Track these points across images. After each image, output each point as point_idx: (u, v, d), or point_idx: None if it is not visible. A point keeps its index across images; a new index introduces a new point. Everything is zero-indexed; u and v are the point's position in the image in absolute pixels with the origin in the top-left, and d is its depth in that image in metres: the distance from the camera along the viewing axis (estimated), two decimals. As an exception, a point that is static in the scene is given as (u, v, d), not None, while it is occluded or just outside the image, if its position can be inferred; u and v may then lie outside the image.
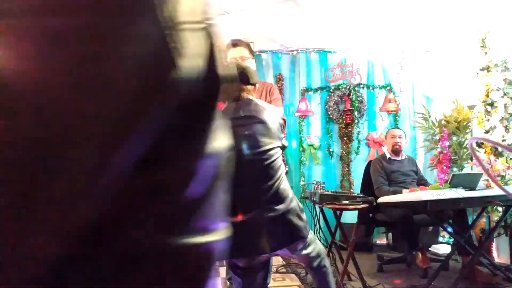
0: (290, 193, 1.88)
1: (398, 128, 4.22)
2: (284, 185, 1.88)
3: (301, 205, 1.94)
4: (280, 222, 1.78)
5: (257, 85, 2.06)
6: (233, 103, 1.94)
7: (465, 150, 4.36)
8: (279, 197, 1.82)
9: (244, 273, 1.88)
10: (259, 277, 1.92)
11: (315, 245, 1.98)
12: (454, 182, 2.92)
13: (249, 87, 1.98)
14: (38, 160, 0.29)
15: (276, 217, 1.77)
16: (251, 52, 2.82)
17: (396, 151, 3.85)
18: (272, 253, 1.90)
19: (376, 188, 3.67)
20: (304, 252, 1.96)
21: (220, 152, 0.46)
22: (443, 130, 4.51)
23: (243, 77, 1.99)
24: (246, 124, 1.85)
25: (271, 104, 2.73)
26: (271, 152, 1.85)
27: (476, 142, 4.11)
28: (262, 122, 1.86)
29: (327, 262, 2.03)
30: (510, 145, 3.74)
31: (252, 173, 1.81)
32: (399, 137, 3.87)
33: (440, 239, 4.52)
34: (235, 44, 2.79)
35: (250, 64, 2.76)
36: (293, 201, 1.87)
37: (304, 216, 1.90)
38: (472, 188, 2.96)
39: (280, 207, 1.80)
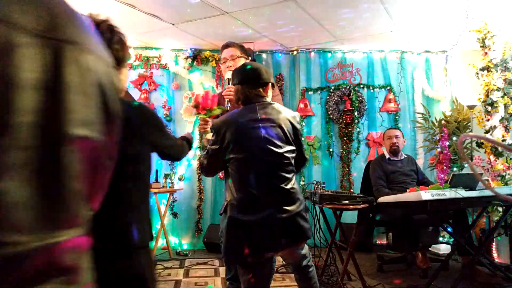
0: (300, 196, 1.93)
1: (394, 128, 4.19)
2: (296, 187, 1.92)
3: (307, 206, 1.98)
4: (290, 223, 1.83)
5: (270, 84, 2.04)
6: (250, 104, 1.96)
7: (465, 150, 4.36)
8: (291, 199, 1.86)
9: (253, 268, 1.91)
10: (266, 271, 1.95)
11: (306, 246, 2.08)
12: (454, 182, 2.91)
13: (260, 88, 1.98)
14: None
15: (287, 218, 1.82)
16: (244, 52, 2.82)
17: (394, 151, 3.84)
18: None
19: (375, 191, 3.66)
20: (301, 251, 2.04)
21: None
22: (443, 130, 4.51)
23: (250, 78, 1.98)
24: (262, 126, 1.88)
25: None
26: (286, 154, 1.89)
27: (476, 142, 4.11)
28: (278, 125, 1.90)
29: (312, 262, 2.12)
30: (510, 145, 3.74)
31: (266, 174, 1.85)
32: (396, 137, 3.86)
33: (440, 239, 4.52)
34: (227, 45, 2.81)
35: (242, 63, 2.76)
36: (302, 203, 1.91)
37: (308, 217, 1.94)
38: (472, 188, 2.96)
39: (292, 208, 1.84)
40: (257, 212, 1.81)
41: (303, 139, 2.01)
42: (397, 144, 3.84)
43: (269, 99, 2.02)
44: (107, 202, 1.26)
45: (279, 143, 1.88)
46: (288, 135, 1.91)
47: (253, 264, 1.90)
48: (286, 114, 1.96)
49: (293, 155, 1.94)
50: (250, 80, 1.98)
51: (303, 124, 4.98)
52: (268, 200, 1.83)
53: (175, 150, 1.53)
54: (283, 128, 1.90)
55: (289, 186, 1.87)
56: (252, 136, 1.88)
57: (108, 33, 1.28)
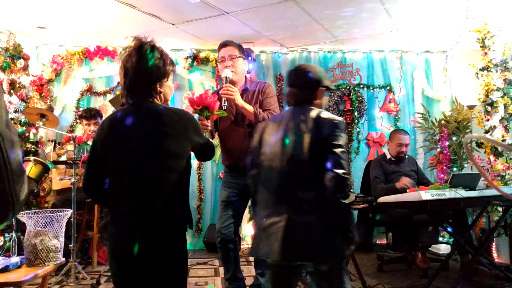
0: (323, 208, 1.72)
1: (406, 133, 3.96)
2: (316, 197, 1.71)
3: (334, 221, 1.71)
4: (295, 233, 1.68)
5: (321, 88, 1.88)
6: (290, 107, 1.91)
7: (465, 150, 4.36)
8: (304, 209, 1.71)
9: (273, 270, 1.87)
10: (284, 278, 1.86)
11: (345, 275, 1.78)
12: (454, 182, 2.92)
13: (303, 92, 1.88)
14: None
15: (294, 226, 1.69)
16: (242, 51, 2.81)
17: (400, 158, 3.84)
18: (297, 262, 1.78)
19: (372, 188, 3.67)
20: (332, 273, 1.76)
21: None
22: (443, 130, 4.51)
23: (289, 79, 1.93)
24: (285, 132, 1.81)
25: (263, 103, 2.72)
26: (307, 162, 1.73)
27: (476, 142, 4.11)
28: (304, 132, 1.75)
29: None
30: (510, 145, 3.74)
31: (282, 181, 1.77)
32: (406, 146, 3.83)
33: (440, 239, 4.52)
34: (225, 44, 2.79)
35: (240, 63, 2.75)
36: (323, 215, 1.70)
37: (339, 240, 1.70)
38: (472, 188, 2.96)
39: (303, 218, 1.69)
40: (268, 217, 1.76)
41: (339, 151, 1.70)
42: (404, 152, 3.83)
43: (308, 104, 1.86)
44: (153, 191, 1.46)
45: (300, 150, 1.73)
46: (314, 144, 1.72)
47: (273, 267, 1.86)
48: (319, 122, 1.74)
49: (319, 164, 1.71)
50: (289, 82, 1.93)
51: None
52: (279, 206, 1.74)
53: (207, 148, 1.72)
54: (310, 136, 1.73)
55: (305, 196, 1.71)
56: (273, 141, 1.83)
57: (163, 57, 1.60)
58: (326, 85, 1.90)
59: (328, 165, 1.69)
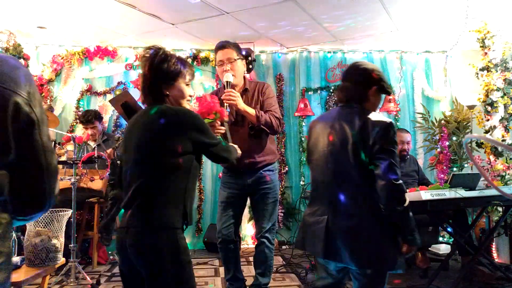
0: (364, 212, 1.67)
1: (407, 131, 3.99)
2: (357, 201, 1.68)
3: (375, 228, 1.65)
4: (337, 236, 1.69)
5: (375, 87, 1.79)
6: (339, 105, 1.88)
7: (465, 150, 4.36)
8: (343, 211, 1.69)
9: (319, 267, 1.90)
10: (326, 275, 1.87)
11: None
12: (454, 182, 2.91)
13: (347, 84, 1.82)
14: None
15: (332, 228, 1.70)
16: (240, 52, 2.77)
17: (402, 157, 3.83)
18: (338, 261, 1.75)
19: None
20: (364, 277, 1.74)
21: None
22: (443, 130, 4.51)
23: (342, 76, 1.90)
24: (331, 132, 1.77)
25: (264, 104, 2.71)
26: (352, 166, 1.68)
27: (476, 142, 4.10)
28: (348, 134, 1.69)
29: None
30: (510, 145, 3.74)
31: (327, 181, 1.78)
32: (407, 143, 3.83)
33: (440, 239, 4.52)
34: (222, 46, 2.73)
35: (239, 65, 2.72)
36: (362, 220, 1.66)
37: (386, 245, 1.65)
38: (472, 188, 2.96)
39: (342, 221, 1.68)
40: (314, 214, 1.79)
41: (389, 156, 1.61)
42: (407, 151, 3.82)
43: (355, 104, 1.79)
44: (146, 187, 1.49)
45: (345, 153, 1.68)
46: (360, 148, 1.65)
47: (318, 264, 1.89)
48: (368, 124, 1.66)
49: (367, 168, 1.65)
50: (343, 76, 1.88)
51: (303, 124, 4.97)
52: (324, 206, 1.76)
53: (218, 149, 1.68)
54: (356, 139, 1.66)
55: (349, 200, 1.68)
56: (320, 141, 1.82)
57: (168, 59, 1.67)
58: (382, 85, 1.79)
59: (379, 172, 1.61)
